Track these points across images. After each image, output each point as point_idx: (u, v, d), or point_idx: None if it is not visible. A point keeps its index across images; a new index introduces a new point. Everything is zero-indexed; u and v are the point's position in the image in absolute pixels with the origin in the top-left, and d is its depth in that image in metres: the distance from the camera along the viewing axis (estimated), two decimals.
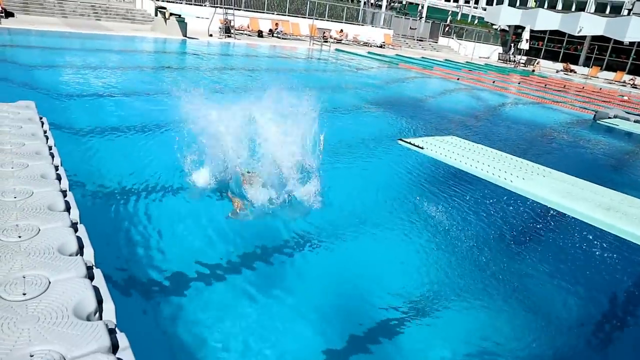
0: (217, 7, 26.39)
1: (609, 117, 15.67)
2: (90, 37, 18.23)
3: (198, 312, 3.46)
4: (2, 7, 18.40)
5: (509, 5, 49.35)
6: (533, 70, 37.81)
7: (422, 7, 50.86)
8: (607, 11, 51.08)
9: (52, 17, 21.64)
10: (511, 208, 6.39)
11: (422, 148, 7.91)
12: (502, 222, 5.95)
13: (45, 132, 4.17)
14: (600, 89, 30.14)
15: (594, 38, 39.86)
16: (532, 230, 5.97)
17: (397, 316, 3.79)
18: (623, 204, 6.42)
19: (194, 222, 4.82)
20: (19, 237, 2.36)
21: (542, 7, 45.43)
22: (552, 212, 6.27)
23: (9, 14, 19.34)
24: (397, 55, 30.23)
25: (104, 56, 14.98)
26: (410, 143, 8.11)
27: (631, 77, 37.15)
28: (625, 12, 41.37)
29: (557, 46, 43.38)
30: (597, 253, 5.43)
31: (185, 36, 22.24)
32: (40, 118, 4.54)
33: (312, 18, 31.67)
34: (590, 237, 5.72)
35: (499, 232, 5.72)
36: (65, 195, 2.99)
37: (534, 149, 10.96)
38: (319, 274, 4.26)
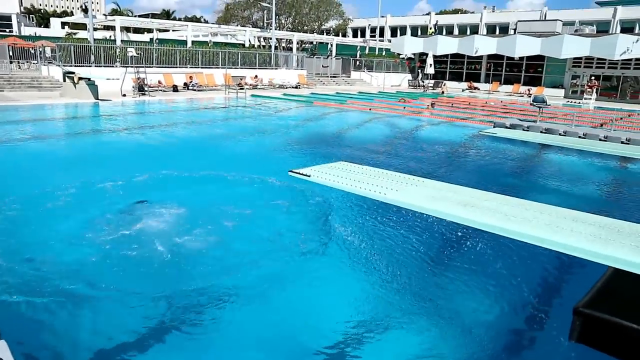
0: (127, 66, 26.31)
1: (505, 127, 17.23)
2: None
3: None
4: None
5: (411, 35, 53.02)
6: (442, 92, 40.50)
7: (332, 46, 53.36)
8: (497, 32, 56.24)
9: None
10: (383, 217, 7.32)
11: (309, 176, 8.50)
12: (373, 230, 6.85)
13: None
14: (502, 101, 32.82)
15: (490, 56, 43.62)
16: (399, 232, 6.81)
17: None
18: (480, 199, 7.23)
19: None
20: None
21: (441, 34, 49.19)
22: (418, 215, 7.09)
23: None
24: (312, 93, 31.38)
25: (12, 128, 14.51)
26: (299, 173, 8.70)
27: (527, 87, 40.87)
28: (512, 31, 45.72)
29: (459, 67, 46.89)
30: (454, 243, 6.51)
31: (97, 99, 21.92)
32: None
33: (225, 67, 32.29)
34: (450, 232, 6.78)
35: (370, 239, 6.58)
36: None
37: (422, 164, 12.05)
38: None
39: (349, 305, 4.79)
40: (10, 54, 27.02)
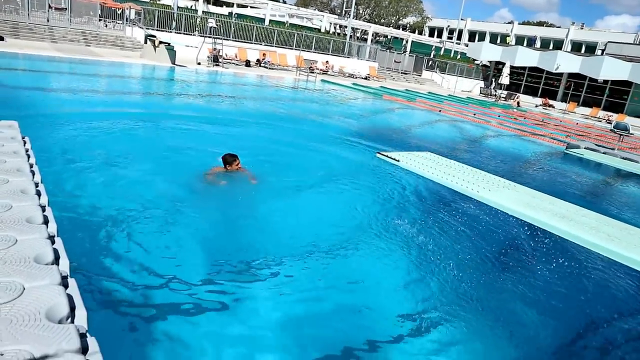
0: (206, 36, 26.89)
1: (579, 148, 16.28)
2: (79, 61, 18.42)
3: (171, 326, 3.52)
4: None
5: (490, 42, 51.11)
6: (518, 104, 38.96)
7: (407, 42, 52.35)
8: (583, 50, 53.19)
9: (41, 42, 21.83)
10: (476, 215, 6.93)
11: (398, 161, 8.37)
12: (466, 228, 6.45)
13: (27, 150, 4.26)
14: (577, 123, 31.09)
15: (571, 75, 41.35)
16: (492, 235, 6.47)
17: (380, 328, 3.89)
18: (577, 214, 6.92)
19: (170, 236, 4.93)
20: None
21: (522, 45, 47.11)
22: (513, 219, 6.81)
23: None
24: (381, 87, 30.95)
25: (93, 80, 15.15)
26: (387, 156, 8.56)
27: (607, 113, 38.46)
28: (599, 52, 43.10)
29: (536, 82, 44.81)
30: (552, 256, 5.96)
31: (174, 64, 22.56)
32: (23, 137, 4.63)
33: (299, 49, 32.38)
34: (546, 241, 6.33)
35: (464, 235, 6.22)
36: (44, 210, 3.08)
37: (505, 170, 11.57)
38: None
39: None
40: (99, 12, 28.23)
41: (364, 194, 7.33)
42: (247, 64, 28.50)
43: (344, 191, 7.34)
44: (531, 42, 52.89)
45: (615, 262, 5.52)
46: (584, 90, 41.71)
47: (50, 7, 24.78)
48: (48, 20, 24.37)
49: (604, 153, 15.94)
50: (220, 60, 26.01)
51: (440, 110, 22.87)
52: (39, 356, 1.75)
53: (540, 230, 6.44)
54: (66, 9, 25.12)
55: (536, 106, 41.19)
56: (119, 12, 31.21)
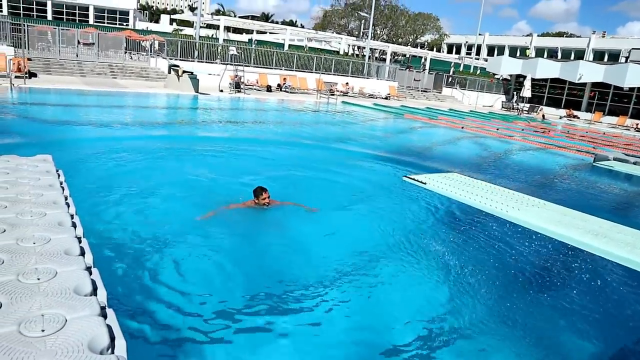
0: (227, 64, 27.51)
1: (607, 160, 15.86)
2: (107, 94, 19.04)
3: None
4: (27, 70, 19.43)
5: (509, 55, 50.80)
6: (543, 116, 38.47)
7: (425, 60, 52.48)
8: (605, 59, 52.36)
9: (71, 77, 22.68)
10: (507, 235, 6.84)
11: (424, 183, 8.38)
12: (497, 247, 6.39)
13: (61, 183, 4.40)
14: (604, 133, 30.42)
15: (595, 84, 40.66)
16: (524, 254, 6.36)
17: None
18: (611, 231, 6.79)
19: (201, 261, 4.99)
20: (38, 279, 2.52)
21: (542, 56, 46.68)
22: (545, 238, 6.68)
23: (32, 75, 20.35)
24: (402, 106, 30.97)
25: (121, 111, 15.63)
26: (414, 179, 8.59)
27: (635, 121, 37.53)
28: (623, 59, 42.35)
29: (558, 93, 44.18)
30: (588, 274, 5.88)
31: (198, 92, 23.10)
32: (57, 170, 4.80)
33: (318, 72, 32.78)
34: (581, 260, 6.21)
35: (495, 255, 6.14)
36: (80, 242, 3.18)
37: (533, 186, 11.32)
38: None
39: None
40: (125, 45, 29.27)
41: (393, 218, 7.28)
42: (269, 89, 28.96)
43: (372, 215, 7.31)
44: (553, 53, 52.38)
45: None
46: (610, 99, 40.91)
47: (79, 42, 25.81)
48: (77, 56, 25.37)
49: (634, 163, 15.52)
50: (242, 86, 26.51)
51: (462, 127, 22.71)
52: None
53: (573, 249, 6.27)
54: (94, 43, 26.10)
55: (560, 117, 40.53)
56: (143, 44, 32.32)
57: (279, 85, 30.23)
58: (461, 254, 6.06)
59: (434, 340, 4.14)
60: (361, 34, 50.37)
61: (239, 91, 25.93)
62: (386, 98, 34.89)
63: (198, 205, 6.74)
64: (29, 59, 21.12)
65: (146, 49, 31.32)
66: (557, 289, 5.49)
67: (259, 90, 28.70)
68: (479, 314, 4.62)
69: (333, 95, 29.76)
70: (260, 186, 6.34)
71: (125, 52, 29.38)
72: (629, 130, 35.51)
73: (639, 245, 6.21)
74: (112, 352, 2.12)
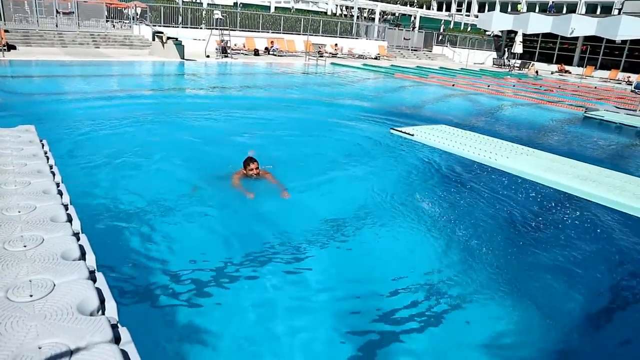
0: (212, 28, 26.84)
1: (598, 110, 15.88)
2: (90, 63, 18.59)
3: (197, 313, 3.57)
4: (5, 42, 18.85)
5: (500, 11, 49.89)
6: (537, 72, 38.19)
7: (415, 18, 51.50)
8: (598, 11, 51.65)
9: (52, 48, 22.07)
10: (496, 183, 6.93)
11: (412, 135, 8.39)
12: (486, 196, 6.46)
13: (45, 152, 4.33)
14: (595, 87, 30.30)
15: (587, 38, 40.19)
16: (514, 201, 6.42)
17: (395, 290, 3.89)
18: (600, 175, 6.92)
19: (190, 225, 4.99)
20: (24, 246, 2.50)
21: (534, 11, 45.90)
22: (534, 184, 6.80)
23: (11, 47, 19.77)
24: (392, 65, 30.56)
25: (105, 80, 15.30)
26: (401, 132, 8.59)
27: (626, 74, 37.36)
28: (616, 11, 41.78)
29: (550, 48, 43.72)
30: (575, 218, 5.99)
31: (183, 58, 22.60)
32: (41, 140, 4.71)
33: (306, 34, 32.11)
34: (570, 204, 6.33)
35: (484, 203, 6.26)
36: (67, 209, 3.14)
37: (523, 137, 11.43)
38: None
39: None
40: (106, 13, 28.37)
41: (379, 171, 7.32)
42: (256, 52, 28.40)
43: (359, 169, 7.34)
44: (550, 9, 51.33)
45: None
46: (602, 53, 40.54)
47: (58, 12, 24.99)
48: (57, 26, 24.60)
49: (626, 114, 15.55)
50: (228, 51, 25.96)
51: (453, 85, 22.51)
52: (74, 348, 1.79)
53: (562, 194, 6.35)
54: (73, 12, 25.29)
55: (552, 73, 40.24)
56: (125, 11, 31.33)
57: (266, 48, 29.63)
58: (450, 204, 6.14)
59: (422, 291, 4.20)
60: None
61: (225, 56, 25.41)
62: (376, 58, 34.37)
63: (190, 169, 6.71)
64: (6, 31, 20.48)
65: (128, 16, 30.38)
66: (548, 234, 5.60)
67: (246, 54, 28.14)
68: (466, 262, 4.70)
69: (322, 56, 29.27)
70: (250, 157, 6.25)
71: (107, 21, 28.53)
72: (620, 83, 35.39)
73: (628, 188, 6.28)
74: (103, 314, 2.12)
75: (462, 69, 34.93)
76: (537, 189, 6.68)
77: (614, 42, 37.98)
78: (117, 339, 1.95)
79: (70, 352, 1.77)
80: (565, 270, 4.79)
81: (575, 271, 4.79)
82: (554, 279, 4.66)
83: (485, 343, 3.63)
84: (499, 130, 12.34)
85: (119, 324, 2.09)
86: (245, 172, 6.14)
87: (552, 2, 53.51)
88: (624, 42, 37.96)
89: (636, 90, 17.58)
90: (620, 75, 37.91)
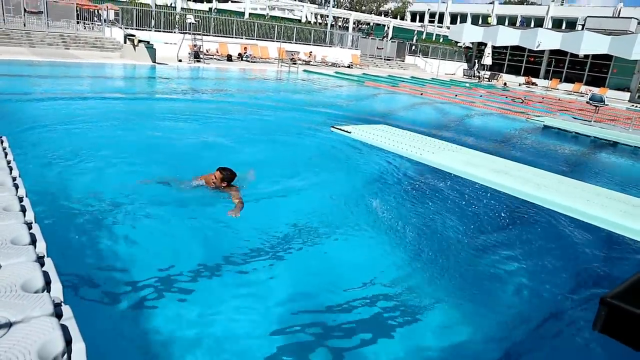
0: (185, 33, 26.83)
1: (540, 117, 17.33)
2: (59, 64, 18.37)
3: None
4: None
5: (471, 23, 51.30)
6: (505, 84, 39.39)
7: (388, 28, 52.41)
8: (563, 26, 53.59)
9: (19, 47, 21.69)
10: (419, 175, 7.68)
11: (349, 132, 9.00)
12: (408, 189, 7.23)
13: (4, 148, 4.38)
14: (559, 99, 31.45)
15: (552, 52, 41.72)
16: (434, 193, 7.12)
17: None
18: (513, 169, 7.65)
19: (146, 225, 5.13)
20: None
21: (503, 24, 47.37)
22: (454, 177, 7.46)
23: None
24: (364, 74, 31.08)
25: (74, 82, 15.17)
26: (340, 129, 9.20)
27: (588, 88, 38.84)
28: (579, 27, 43.50)
29: (518, 60, 45.14)
30: (487, 207, 6.69)
31: (155, 62, 22.52)
32: (0, 137, 4.75)
33: (280, 41, 32.38)
34: (482, 194, 6.97)
35: (404, 194, 7.04)
36: (21, 201, 3.24)
37: (462, 136, 12.47)
38: None
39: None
40: (76, 14, 28.01)
41: (316, 167, 7.91)
42: (229, 58, 28.49)
43: (298, 167, 7.77)
44: (521, 23, 53.13)
45: (543, 208, 6.16)
46: (566, 66, 42.12)
47: (26, 11, 24.55)
48: (24, 25, 24.17)
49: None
50: (201, 56, 25.99)
51: (422, 94, 23.08)
52: (14, 320, 1.94)
53: (478, 186, 7.02)
54: (42, 12, 24.91)
55: (519, 85, 41.54)
56: (96, 13, 30.98)
57: (239, 54, 29.76)
58: (373, 196, 6.74)
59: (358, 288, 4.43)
60: (323, 1, 49.72)
61: (198, 61, 25.43)
62: (349, 66, 34.88)
63: (148, 171, 6.78)
64: None
65: (100, 18, 30.07)
66: (466, 221, 6.12)
67: (219, 59, 28.20)
68: (388, 254, 5.13)
69: (295, 64, 29.56)
70: (223, 167, 5.89)
71: (78, 22, 28.18)
72: (583, 97, 36.77)
73: (534, 179, 7.09)
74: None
75: (432, 78, 35.76)
76: (456, 181, 7.35)
77: (577, 56, 39.53)
78: (59, 315, 2.10)
79: (10, 324, 1.91)
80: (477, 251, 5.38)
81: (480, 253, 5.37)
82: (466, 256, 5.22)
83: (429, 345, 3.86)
84: (442, 130, 13.41)
85: (62, 303, 2.23)
86: (214, 177, 5.97)
87: (522, 18, 55.41)
88: (586, 56, 39.55)
89: (590, 102, 18.45)
90: (583, 88, 39.43)
